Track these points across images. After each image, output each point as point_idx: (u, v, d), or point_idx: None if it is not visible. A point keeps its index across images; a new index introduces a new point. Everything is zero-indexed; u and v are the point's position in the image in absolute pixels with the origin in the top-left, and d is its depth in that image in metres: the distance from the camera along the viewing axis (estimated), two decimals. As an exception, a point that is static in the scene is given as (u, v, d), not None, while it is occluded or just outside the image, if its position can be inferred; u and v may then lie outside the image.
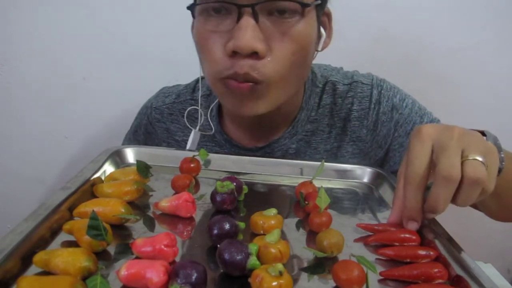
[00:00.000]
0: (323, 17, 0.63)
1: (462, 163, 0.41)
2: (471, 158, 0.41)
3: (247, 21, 0.53)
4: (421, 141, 0.43)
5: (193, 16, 0.60)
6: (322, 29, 0.63)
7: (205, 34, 0.58)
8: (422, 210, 0.44)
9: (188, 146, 0.72)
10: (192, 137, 0.72)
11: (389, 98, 0.71)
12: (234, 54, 0.55)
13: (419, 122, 0.71)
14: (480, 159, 0.41)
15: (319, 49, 0.64)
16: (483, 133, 0.48)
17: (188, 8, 0.59)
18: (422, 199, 0.44)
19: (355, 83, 0.72)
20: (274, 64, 0.56)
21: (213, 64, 0.58)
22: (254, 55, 0.54)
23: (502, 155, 0.48)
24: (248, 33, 0.53)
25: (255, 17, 0.53)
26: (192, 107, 0.75)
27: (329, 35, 0.66)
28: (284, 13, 0.55)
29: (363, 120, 0.71)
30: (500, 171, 0.47)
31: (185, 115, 0.74)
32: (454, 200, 0.42)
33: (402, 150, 0.71)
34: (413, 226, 0.45)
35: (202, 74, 0.68)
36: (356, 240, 0.46)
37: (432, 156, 0.43)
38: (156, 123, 0.80)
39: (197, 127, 0.72)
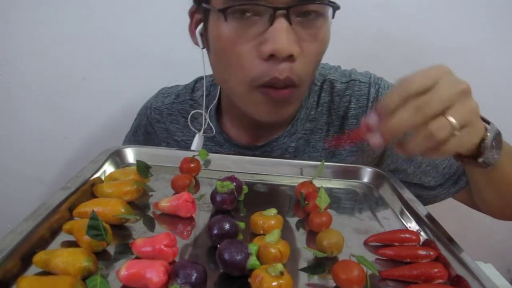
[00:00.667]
0: None
1: (437, 115, 0.41)
2: (449, 118, 0.41)
3: (282, 23, 0.53)
4: (435, 68, 0.44)
5: (225, 19, 0.54)
6: None
7: (234, 38, 0.55)
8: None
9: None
10: (197, 141, 0.72)
11: None
12: (270, 57, 0.54)
13: None
14: (454, 123, 0.41)
15: None
16: (488, 123, 0.48)
17: (220, 11, 0.54)
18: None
19: (352, 82, 0.72)
20: (305, 65, 0.56)
21: (246, 71, 0.56)
22: (290, 57, 0.54)
23: (499, 151, 0.48)
24: (285, 36, 0.52)
25: (289, 19, 0.53)
26: (196, 110, 0.74)
27: None
28: (313, 15, 0.55)
29: (360, 118, 0.71)
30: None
31: (189, 118, 0.74)
32: (406, 142, 0.42)
33: None
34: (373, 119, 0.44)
35: (204, 74, 0.68)
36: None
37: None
38: (155, 123, 0.80)
39: (201, 131, 0.72)
